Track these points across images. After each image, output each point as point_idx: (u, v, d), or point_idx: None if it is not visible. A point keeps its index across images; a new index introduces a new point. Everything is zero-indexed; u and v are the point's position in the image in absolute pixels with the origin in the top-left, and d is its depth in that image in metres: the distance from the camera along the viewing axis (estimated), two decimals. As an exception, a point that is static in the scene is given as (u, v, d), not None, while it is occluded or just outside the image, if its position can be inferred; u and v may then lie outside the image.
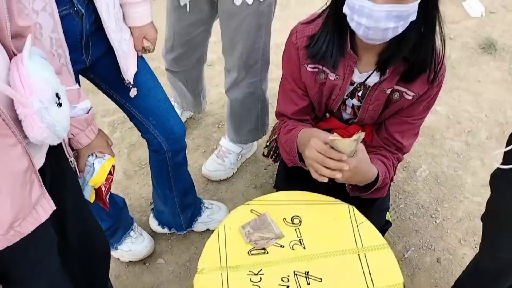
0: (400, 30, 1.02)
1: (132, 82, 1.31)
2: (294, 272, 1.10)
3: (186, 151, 2.10)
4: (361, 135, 1.04)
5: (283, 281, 1.09)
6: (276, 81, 1.50)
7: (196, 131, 2.24)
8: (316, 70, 1.23)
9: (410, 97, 1.19)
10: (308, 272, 1.10)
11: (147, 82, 1.35)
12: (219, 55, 2.61)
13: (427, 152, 2.16)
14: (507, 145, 1.12)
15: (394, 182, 2.04)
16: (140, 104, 1.36)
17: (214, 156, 2.03)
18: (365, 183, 1.21)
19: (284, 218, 1.21)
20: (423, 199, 1.95)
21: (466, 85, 2.54)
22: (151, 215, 1.81)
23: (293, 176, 1.40)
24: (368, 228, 1.20)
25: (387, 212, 1.51)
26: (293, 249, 1.15)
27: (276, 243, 1.16)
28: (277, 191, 1.47)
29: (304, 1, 3.02)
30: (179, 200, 1.65)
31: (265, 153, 1.68)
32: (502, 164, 1.12)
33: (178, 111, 2.17)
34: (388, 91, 1.19)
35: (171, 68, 1.94)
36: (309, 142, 1.11)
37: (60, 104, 0.82)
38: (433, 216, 1.89)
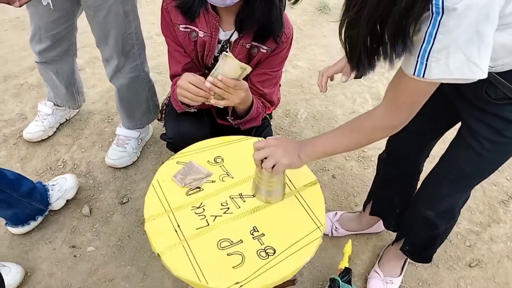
0: None
1: None
2: (230, 196, 1.27)
3: (83, 150, 2.12)
4: (248, 67, 1.26)
5: (222, 205, 1.25)
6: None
7: (87, 130, 2.24)
8: (188, 30, 1.43)
9: (265, 51, 1.45)
10: (241, 193, 1.28)
11: None
12: (88, 59, 2.65)
13: (301, 98, 2.49)
14: None
15: (287, 113, 2.32)
16: None
17: (114, 146, 2.07)
18: (246, 106, 1.45)
19: (208, 161, 1.37)
20: (308, 134, 2.27)
21: (315, 41, 2.95)
22: (9, 227, 1.77)
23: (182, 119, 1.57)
24: (277, 149, 1.43)
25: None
26: (223, 181, 1.32)
27: (207, 180, 1.31)
28: (165, 127, 1.65)
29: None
30: (16, 193, 1.64)
31: (158, 117, 1.80)
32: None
33: (50, 109, 2.14)
34: (248, 46, 1.44)
35: (41, 60, 1.93)
36: (180, 80, 1.33)
37: None
38: (320, 145, 2.22)
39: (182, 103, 1.44)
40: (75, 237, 1.81)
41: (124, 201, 1.93)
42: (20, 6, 1.45)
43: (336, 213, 1.87)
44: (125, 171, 2.05)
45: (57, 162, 2.08)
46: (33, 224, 1.79)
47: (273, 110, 1.75)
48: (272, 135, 1.67)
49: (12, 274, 1.63)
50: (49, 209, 1.83)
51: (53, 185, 1.85)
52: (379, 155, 1.65)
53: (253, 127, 1.57)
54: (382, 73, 2.68)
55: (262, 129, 1.62)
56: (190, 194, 1.27)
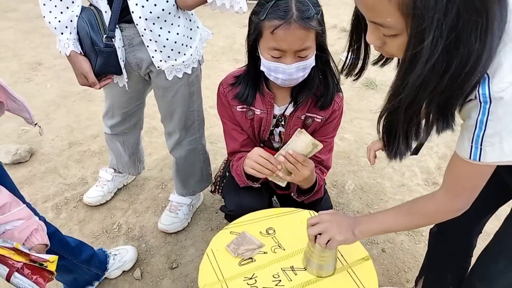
0: (306, 75, 1.39)
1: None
2: (281, 269, 1.29)
3: (137, 215, 2.22)
4: (319, 144, 1.34)
5: (274, 277, 1.27)
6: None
7: (142, 196, 2.35)
8: (245, 109, 1.54)
9: (319, 120, 1.53)
10: (293, 266, 1.30)
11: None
12: (146, 129, 2.84)
13: (348, 170, 2.52)
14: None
15: (335, 184, 2.36)
16: None
17: (167, 212, 2.15)
18: (310, 184, 1.52)
19: (260, 231, 1.41)
20: (357, 206, 2.27)
21: (362, 115, 3.02)
22: None
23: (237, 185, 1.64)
24: (328, 223, 1.45)
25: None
26: (275, 252, 1.35)
27: (259, 251, 1.34)
28: (224, 200, 1.72)
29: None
30: (77, 260, 1.70)
31: (212, 190, 1.90)
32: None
33: (110, 176, 2.29)
34: (303, 117, 1.52)
35: (112, 132, 2.08)
36: (249, 153, 1.44)
37: None
38: (369, 218, 2.21)
39: (247, 179, 1.53)
40: (126, 301, 1.85)
41: (173, 266, 1.97)
42: (99, 88, 1.64)
43: None
44: (176, 236, 2.12)
45: (113, 225, 2.17)
46: None
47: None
48: (331, 205, 1.70)
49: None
50: (105, 276, 1.89)
51: (115, 254, 1.92)
52: (431, 230, 1.63)
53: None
54: (431, 147, 2.68)
55: (320, 199, 1.65)
56: (242, 265, 1.30)
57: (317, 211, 1.53)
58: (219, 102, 1.59)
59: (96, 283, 1.87)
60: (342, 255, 1.33)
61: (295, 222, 1.45)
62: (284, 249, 1.35)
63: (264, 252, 1.34)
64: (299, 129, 1.35)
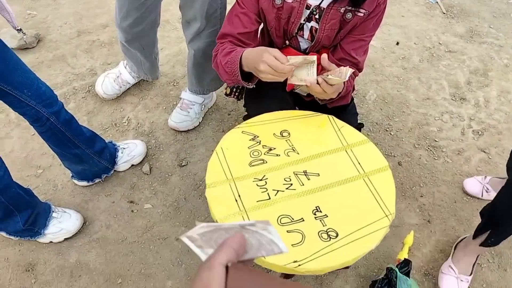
0: None
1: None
2: (293, 172, 1.22)
3: (147, 110, 2.14)
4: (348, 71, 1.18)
5: (285, 181, 1.20)
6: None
7: (153, 92, 2.26)
8: None
9: (362, 14, 1.33)
10: (306, 171, 1.23)
11: (13, 56, 1.34)
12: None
13: (371, 79, 2.36)
14: None
15: (356, 93, 2.24)
16: (14, 79, 1.34)
17: (178, 109, 2.07)
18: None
19: (274, 133, 1.32)
20: (376, 117, 2.16)
21: (392, 20, 2.78)
22: (74, 180, 1.84)
23: (260, 92, 1.49)
24: (348, 130, 1.35)
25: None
26: (288, 155, 1.26)
27: (271, 153, 1.26)
28: (247, 110, 1.57)
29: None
30: (90, 150, 1.68)
31: (227, 92, 1.72)
32: None
33: (132, 79, 2.19)
34: (342, 10, 1.32)
35: (127, 37, 1.89)
36: (263, 56, 1.18)
37: None
38: (387, 129, 2.11)
39: (243, 80, 1.34)
40: (134, 193, 1.84)
41: (183, 164, 1.94)
42: None
43: (486, 176, 1.87)
44: (186, 135, 2.06)
45: (122, 119, 2.11)
46: (97, 181, 1.85)
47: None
48: (356, 113, 1.57)
49: (72, 220, 1.70)
50: (114, 169, 1.87)
51: (124, 148, 1.88)
52: (508, 164, 1.41)
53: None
54: (463, 60, 2.49)
55: (346, 106, 1.52)
56: (253, 165, 1.23)
57: (342, 119, 1.43)
58: None
59: (104, 176, 1.85)
60: (359, 163, 1.24)
61: (312, 126, 1.35)
62: (298, 153, 1.27)
63: (277, 155, 1.26)
64: (347, 67, 1.19)
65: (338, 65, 1.45)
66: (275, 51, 1.20)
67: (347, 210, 1.14)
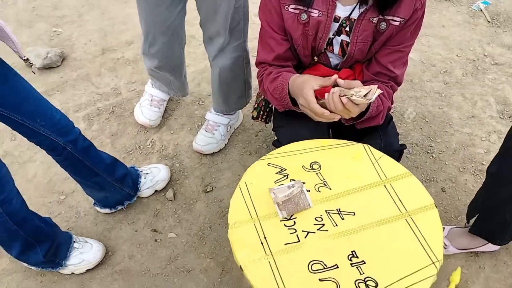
0: None
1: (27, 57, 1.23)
2: (325, 211, 1.09)
3: (171, 132, 2.06)
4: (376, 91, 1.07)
5: (316, 220, 1.07)
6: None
7: (177, 111, 2.18)
8: (298, 11, 1.23)
9: (397, 23, 1.20)
10: (339, 209, 1.10)
11: (24, 85, 1.27)
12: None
13: (410, 96, 2.20)
14: None
15: (393, 111, 2.08)
16: (26, 109, 1.27)
17: (203, 131, 1.98)
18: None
19: (303, 166, 1.20)
20: (416, 138, 1.99)
21: (432, 31, 2.61)
22: (96, 207, 1.77)
23: (290, 116, 1.40)
24: (387, 161, 1.21)
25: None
26: (319, 191, 1.14)
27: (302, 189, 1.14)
28: (276, 135, 1.46)
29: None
30: (111, 178, 1.62)
31: (255, 116, 1.65)
32: None
33: (166, 96, 2.11)
34: (375, 20, 1.20)
35: (157, 63, 1.84)
36: (302, 92, 1.17)
37: None
38: (429, 151, 1.94)
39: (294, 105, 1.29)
40: (157, 221, 1.76)
41: (208, 190, 1.84)
42: None
43: (444, 227, 1.63)
44: (212, 158, 1.96)
45: (146, 141, 2.04)
46: (119, 208, 1.78)
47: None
48: (397, 132, 1.41)
49: (94, 251, 1.62)
50: (137, 196, 1.80)
51: (147, 173, 1.81)
52: (488, 169, 1.39)
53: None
54: (511, 74, 2.29)
55: (385, 125, 1.37)
56: (280, 202, 1.11)
57: (383, 141, 1.30)
58: (264, 2, 1.28)
59: (127, 203, 1.77)
60: (400, 201, 1.10)
61: (346, 157, 1.22)
62: (330, 188, 1.14)
63: (307, 190, 1.14)
64: (375, 87, 1.08)
65: (374, 81, 1.32)
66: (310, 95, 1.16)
67: (387, 255, 1.01)
